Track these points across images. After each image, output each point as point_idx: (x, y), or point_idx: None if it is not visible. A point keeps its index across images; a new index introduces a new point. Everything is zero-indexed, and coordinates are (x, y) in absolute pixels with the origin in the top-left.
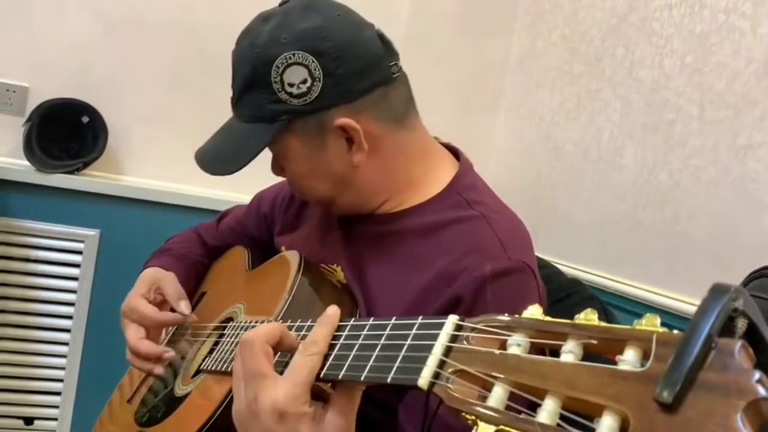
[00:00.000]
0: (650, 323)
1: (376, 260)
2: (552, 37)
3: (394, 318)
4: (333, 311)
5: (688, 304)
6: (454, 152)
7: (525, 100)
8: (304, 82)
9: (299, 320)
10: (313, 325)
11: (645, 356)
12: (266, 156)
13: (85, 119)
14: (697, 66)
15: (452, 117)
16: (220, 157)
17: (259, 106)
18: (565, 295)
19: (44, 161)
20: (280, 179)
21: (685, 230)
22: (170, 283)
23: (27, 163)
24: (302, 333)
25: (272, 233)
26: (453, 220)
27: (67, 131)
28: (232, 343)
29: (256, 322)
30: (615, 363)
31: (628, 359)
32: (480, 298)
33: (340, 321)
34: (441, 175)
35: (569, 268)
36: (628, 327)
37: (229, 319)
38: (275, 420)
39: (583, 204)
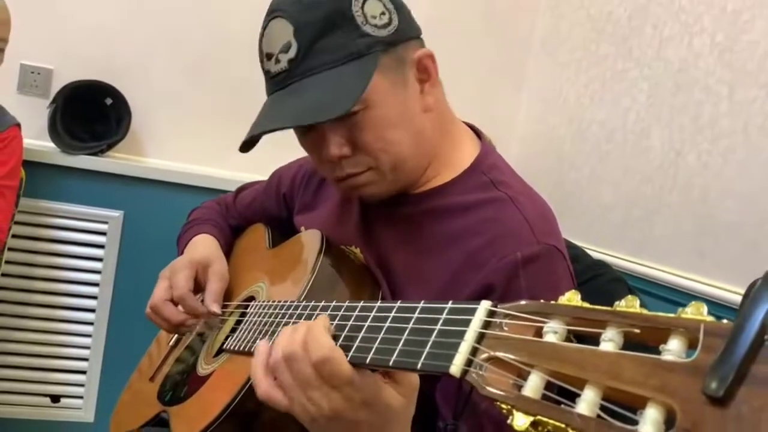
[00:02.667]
0: (697, 311)
1: (400, 243)
2: (577, 17)
3: (423, 302)
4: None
5: (715, 288)
6: (476, 132)
7: (549, 81)
8: (384, 13)
9: (323, 301)
10: (329, 305)
11: (691, 346)
12: (286, 135)
13: (109, 101)
14: (727, 44)
15: (474, 98)
16: (324, 104)
17: (345, 44)
18: (591, 276)
19: (69, 143)
20: (297, 157)
21: (713, 213)
22: (216, 277)
23: (52, 144)
24: (327, 313)
25: (291, 212)
26: (479, 202)
27: (91, 113)
28: (255, 322)
29: (279, 301)
30: (657, 352)
31: (673, 349)
32: (513, 285)
33: (365, 302)
34: (464, 152)
35: (593, 251)
36: (672, 315)
37: (251, 298)
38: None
39: (607, 187)
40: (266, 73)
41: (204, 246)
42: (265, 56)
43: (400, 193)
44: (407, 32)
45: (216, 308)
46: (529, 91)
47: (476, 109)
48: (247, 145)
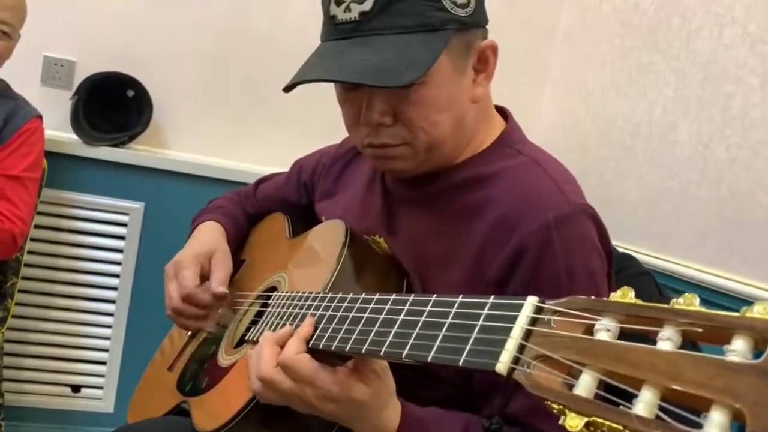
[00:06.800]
0: (764, 311)
1: (426, 224)
2: (602, 9)
3: (461, 296)
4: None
5: (743, 284)
6: (504, 114)
7: (573, 73)
8: None
9: (351, 293)
10: (358, 297)
11: (757, 347)
12: (306, 125)
13: (131, 93)
14: (760, 35)
15: (497, 89)
16: (387, 69)
17: (421, 12)
18: (617, 269)
19: (91, 134)
20: (308, 144)
21: (743, 208)
22: (219, 266)
23: (74, 136)
24: (356, 305)
25: (312, 201)
26: (504, 169)
27: (113, 105)
28: (278, 314)
29: (303, 293)
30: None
31: (738, 349)
32: (547, 250)
33: (398, 295)
34: (492, 130)
35: (618, 246)
36: (737, 315)
37: (272, 289)
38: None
39: (633, 181)
40: (330, 17)
41: (207, 236)
42: (334, 0)
43: (427, 174)
44: (480, 18)
45: (222, 289)
46: (553, 82)
47: (498, 100)
48: (291, 87)
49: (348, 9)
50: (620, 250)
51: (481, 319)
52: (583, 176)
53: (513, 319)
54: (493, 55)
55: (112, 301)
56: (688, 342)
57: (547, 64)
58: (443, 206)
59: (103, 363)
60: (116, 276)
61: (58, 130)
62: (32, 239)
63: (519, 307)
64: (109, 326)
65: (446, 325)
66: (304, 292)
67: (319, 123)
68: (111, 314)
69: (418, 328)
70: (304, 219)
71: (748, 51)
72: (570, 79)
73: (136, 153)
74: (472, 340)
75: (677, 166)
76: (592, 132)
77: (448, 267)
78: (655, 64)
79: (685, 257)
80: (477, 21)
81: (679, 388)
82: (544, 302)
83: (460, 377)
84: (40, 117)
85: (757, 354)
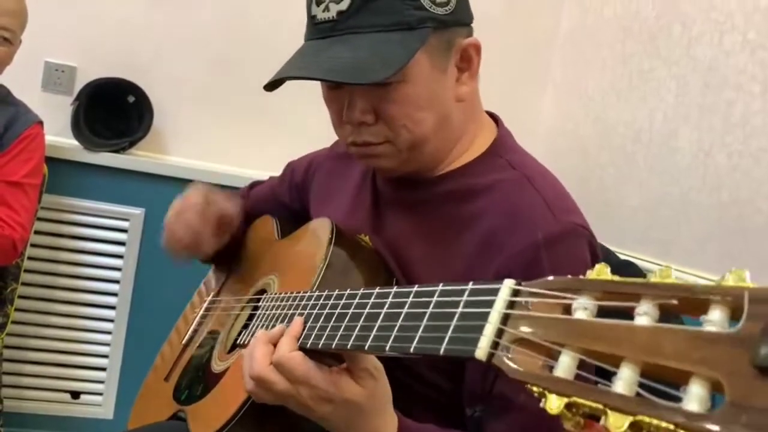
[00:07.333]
0: (738, 279)
1: (415, 230)
2: (603, 14)
3: (441, 284)
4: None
5: None
6: (494, 119)
7: (574, 78)
8: None
9: (337, 290)
10: (343, 294)
11: (734, 316)
12: (308, 130)
13: (131, 99)
14: (760, 42)
15: (497, 93)
16: (362, 67)
17: (399, 11)
18: (617, 274)
19: (91, 140)
20: (309, 151)
21: (743, 215)
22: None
23: (75, 141)
24: (342, 302)
25: (303, 203)
26: (495, 183)
27: (113, 111)
28: (268, 316)
29: (291, 293)
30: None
31: (714, 319)
32: (536, 267)
33: (381, 289)
34: (483, 139)
35: (618, 252)
36: (712, 284)
37: (263, 291)
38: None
39: (633, 187)
40: (311, 17)
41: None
42: (314, 0)
43: (414, 175)
44: (462, 17)
45: None
46: (554, 86)
47: (498, 104)
48: (273, 86)
49: (327, 9)
50: (620, 256)
51: (461, 306)
52: (583, 181)
53: (490, 304)
54: (477, 54)
55: (112, 307)
56: (672, 315)
57: (547, 67)
58: (433, 215)
59: (102, 369)
60: (116, 282)
61: (59, 136)
62: (32, 245)
63: (496, 291)
64: (109, 332)
65: (427, 315)
66: (292, 292)
67: (320, 129)
68: (111, 320)
69: (400, 319)
70: (294, 220)
71: (749, 58)
72: (570, 83)
73: (137, 159)
74: (452, 328)
75: (678, 173)
76: (592, 137)
77: (435, 275)
78: (655, 71)
79: (686, 264)
80: (458, 19)
81: (657, 362)
82: (520, 284)
83: (445, 378)
84: (40, 123)
85: (733, 324)
